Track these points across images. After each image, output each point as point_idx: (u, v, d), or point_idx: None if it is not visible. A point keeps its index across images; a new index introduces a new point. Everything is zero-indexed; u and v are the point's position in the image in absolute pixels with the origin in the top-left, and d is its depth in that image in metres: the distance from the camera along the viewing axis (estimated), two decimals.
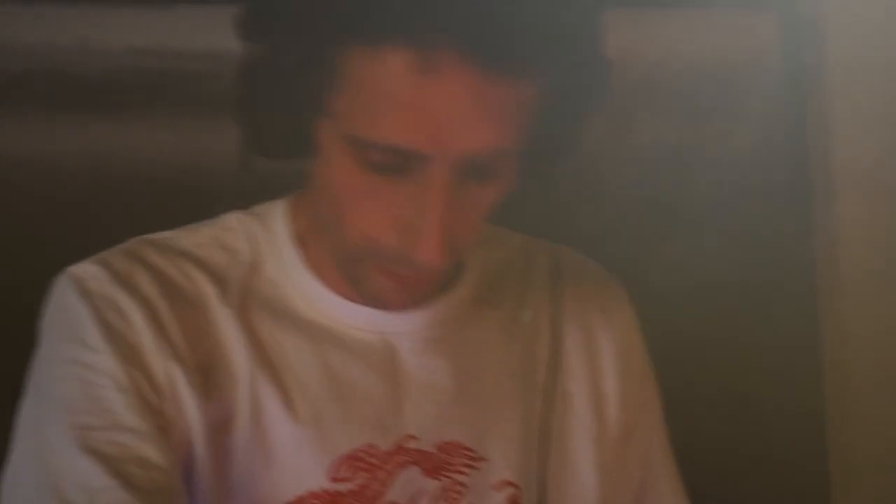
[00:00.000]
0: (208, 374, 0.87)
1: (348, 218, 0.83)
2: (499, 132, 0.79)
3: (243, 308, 0.90)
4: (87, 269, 0.89)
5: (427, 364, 0.92)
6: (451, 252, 0.81)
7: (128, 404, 0.84)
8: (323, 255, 0.91)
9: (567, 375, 0.96)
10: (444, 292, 0.94)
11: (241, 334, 0.89)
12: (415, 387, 0.91)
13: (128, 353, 0.85)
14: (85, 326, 0.86)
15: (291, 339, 0.90)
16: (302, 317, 0.91)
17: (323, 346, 0.90)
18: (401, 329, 0.91)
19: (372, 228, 0.82)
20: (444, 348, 0.93)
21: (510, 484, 0.92)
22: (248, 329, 0.89)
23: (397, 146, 0.78)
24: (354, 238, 0.84)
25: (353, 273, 0.87)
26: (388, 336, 0.91)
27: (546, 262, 1.00)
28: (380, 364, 0.91)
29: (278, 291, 0.91)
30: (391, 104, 0.77)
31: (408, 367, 0.91)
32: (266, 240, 0.93)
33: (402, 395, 0.90)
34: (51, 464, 0.82)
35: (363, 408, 0.89)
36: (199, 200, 1.05)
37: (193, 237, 0.93)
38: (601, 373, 0.98)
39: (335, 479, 0.87)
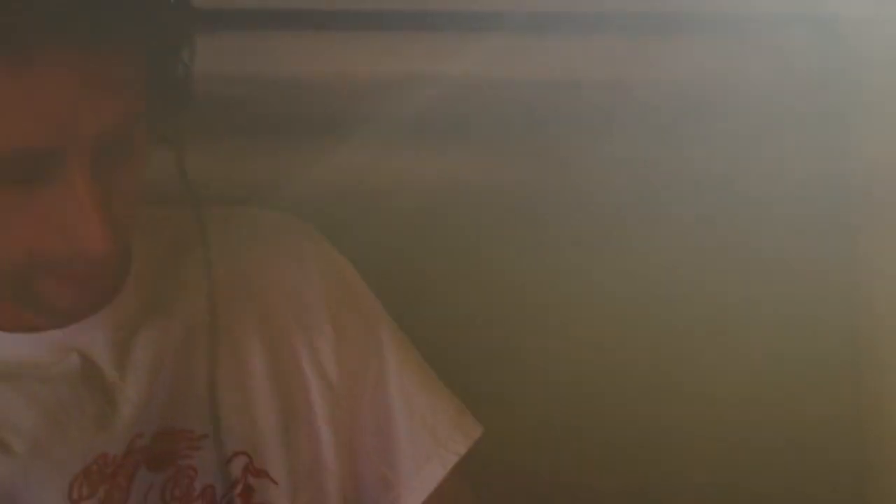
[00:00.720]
0: None
1: (1, 247, 0.81)
2: (118, 104, 0.78)
3: None
4: None
5: (126, 362, 0.91)
6: (116, 237, 0.79)
7: None
8: None
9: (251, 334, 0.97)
10: (119, 289, 0.93)
11: None
12: (123, 388, 0.90)
13: None
14: None
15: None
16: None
17: (22, 382, 0.88)
18: (89, 340, 0.91)
19: (30, 242, 0.80)
20: (137, 340, 0.92)
21: (240, 453, 0.93)
22: None
23: (24, 148, 0.76)
24: (14, 258, 0.81)
25: (24, 295, 0.84)
26: (81, 350, 0.90)
27: (200, 231, 0.98)
28: (84, 379, 0.90)
29: None
30: (6, 106, 0.75)
31: (110, 372, 0.90)
32: None
33: (116, 400, 0.90)
34: None
35: (83, 424, 0.88)
36: None
37: None
38: (301, 323, 0.98)
39: (77, 500, 0.87)
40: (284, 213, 1.06)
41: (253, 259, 1.01)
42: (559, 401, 1.36)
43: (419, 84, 1.31)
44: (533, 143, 1.35)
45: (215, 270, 0.97)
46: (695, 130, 1.37)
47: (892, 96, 1.36)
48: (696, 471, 1.39)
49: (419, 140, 1.34)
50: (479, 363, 1.33)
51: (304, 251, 1.02)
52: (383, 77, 1.33)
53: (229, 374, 0.95)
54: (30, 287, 0.83)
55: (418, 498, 1.00)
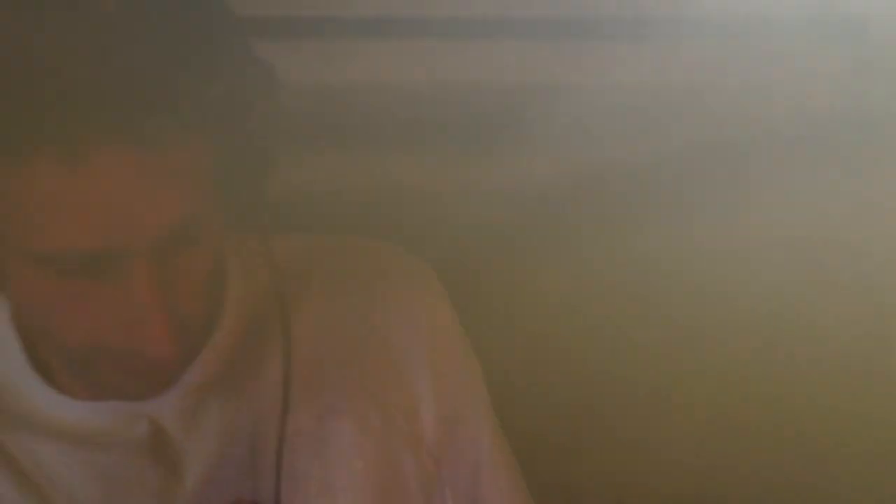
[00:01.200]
0: None
1: (63, 330, 0.78)
2: (183, 200, 0.74)
3: None
4: None
5: (196, 434, 0.88)
6: (181, 335, 0.76)
7: None
8: (51, 356, 0.85)
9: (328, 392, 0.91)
10: (194, 358, 0.87)
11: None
12: (190, 459, 0.87)
13: None
14: None
15: (48, 452, 0.86)
16: (48, 426, 0.86)
17: (85, 450, 0.86)
18: (159, 407, 0.87)
19: (92, 333, 0.77)
20: (208, 409, 0.88)
21: None
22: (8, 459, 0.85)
23: (80, 249, 0.72)
24: (77, 344, 0.78)
25: (89, 376, 0.82)
26: (151, 416, 0.87)
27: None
28: (151, 450, 0.87)
29: (14, 401, 0.86)
30: (54, 208, 0.71)
31: (178, 442, 0.87)
32: None
33: (183, 473, 0.87)
34: None
35: (142, 499, 0.86)
36: None
37: None
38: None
39: None
40: (396, 247, 0.99)
41: (353, 305, 0.95)
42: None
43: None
44: None
45: (303, 325, 0.91)
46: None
47: None
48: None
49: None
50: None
51: (414, 303, 0.96)
52: None
53: (305, 445, 0.91)
54: (95, 370, 0.80)
55: None
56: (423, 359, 0.94)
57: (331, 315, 0.94)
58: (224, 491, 0.88)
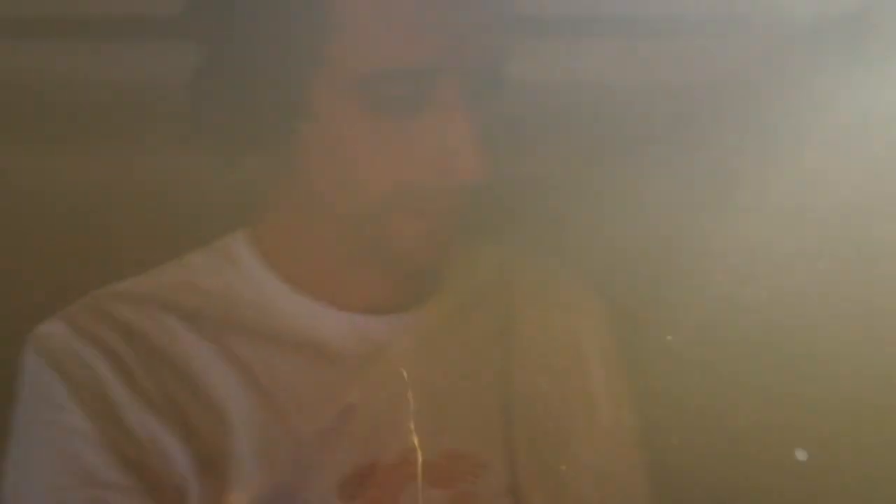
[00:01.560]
0: (190, 420, 0.84)
1: (367, 173, 0.82)
2: (484, 38, 0.80)
3: (222, 342, 0.87)
4: (49, 328, 0.86)
5: (421, 373, 0.90)
6: (484, 166, 0.80)
7: (106, 461, 0.81)
8: (304, 265, 0.89)
9: (539, 375, 0.95)
10: (428, 297, 0.93)
11: (225, 368, 0.86)
12: (411, 397, 0.88)
13: (99, 407, 0.83)
14: (52, 386, 0.83)
15: (283, 361, 0.87)
16: (290, 337, 0.88)
17: (317, 364, 0.88)
18: (392, 335, 0.90)
19: (397, 173, 0.81)
20: (436, 354, 0.92)
21: (513, 490, 0.91)
22: (233, 361, 0.86)
23: (415, 65, 0.78)
24: (378, 192, 0.82)
25: (369, 240, 0.85)
26: (381, 345, 0.90)
27: (515, 270, 0.99)
28: (375, 377, 0.89)
29: (260, 316, 0.89)
30: (399, 25, 0.77)
31: (403, 378, 0.89)
32: (234, 272, 0.91)
33: (400, 407, 0.88)
34: None
35: (363, 424, 0.87)
36: None
37: (158, 280, 0.90)
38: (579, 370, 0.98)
39: (344, 498, 0.85)
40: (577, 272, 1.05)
41: (550, 317, 1.00)
42: None
43: None
44: None
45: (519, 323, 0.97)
46: None
47: None
48: None
49: None
50: None
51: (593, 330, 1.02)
52: None
53: (524, 407, 0.94)
54: (379, 228, 0.84)
55: None
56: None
57: (540, 335, 0.99)
58: (441, 436, 0.90)
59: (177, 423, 0.83)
